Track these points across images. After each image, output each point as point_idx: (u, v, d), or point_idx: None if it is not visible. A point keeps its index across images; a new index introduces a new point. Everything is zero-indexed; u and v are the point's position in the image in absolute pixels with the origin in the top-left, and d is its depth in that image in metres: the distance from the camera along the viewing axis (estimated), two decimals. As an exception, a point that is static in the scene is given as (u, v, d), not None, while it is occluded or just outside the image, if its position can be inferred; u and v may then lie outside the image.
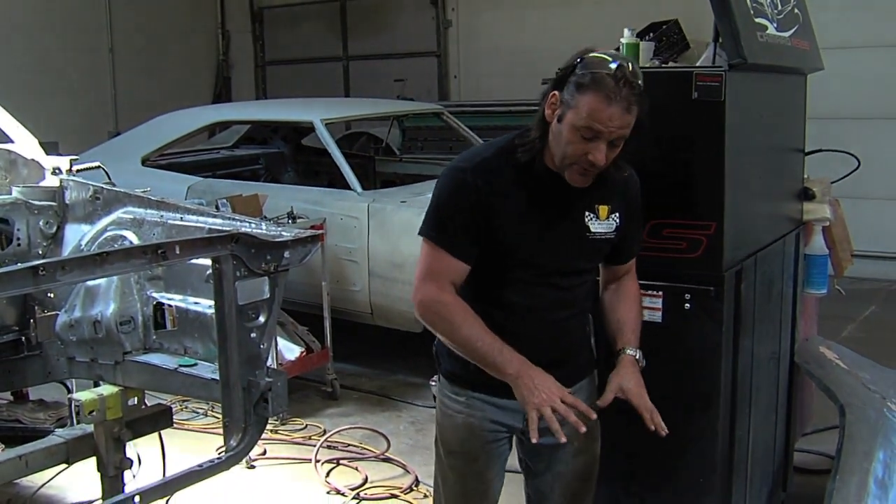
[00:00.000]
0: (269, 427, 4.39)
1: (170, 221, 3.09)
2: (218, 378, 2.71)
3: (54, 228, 3.46)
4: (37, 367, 3.38)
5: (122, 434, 2.98)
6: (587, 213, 2.34)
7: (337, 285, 5.36)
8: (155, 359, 3.00)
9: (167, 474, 3.05)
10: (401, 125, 8.41)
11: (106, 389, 2.97)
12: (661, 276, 2.68)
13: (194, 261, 2.77)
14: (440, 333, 2.33)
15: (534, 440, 2.18)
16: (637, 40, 2.92)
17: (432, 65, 11.02)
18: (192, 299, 2.96)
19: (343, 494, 4.07)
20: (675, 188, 2.69)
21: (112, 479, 3.01)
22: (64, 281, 2.32)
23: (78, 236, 3.35)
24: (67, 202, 3.46)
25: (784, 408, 3.47)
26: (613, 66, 2.13)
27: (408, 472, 4.27)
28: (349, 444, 4.59)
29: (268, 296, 2.71)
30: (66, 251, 3.37)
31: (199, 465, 2.75)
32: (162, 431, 3.24)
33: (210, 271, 2.67)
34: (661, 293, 2.69)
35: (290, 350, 5.04)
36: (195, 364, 2.91)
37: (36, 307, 3.31)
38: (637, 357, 2.43)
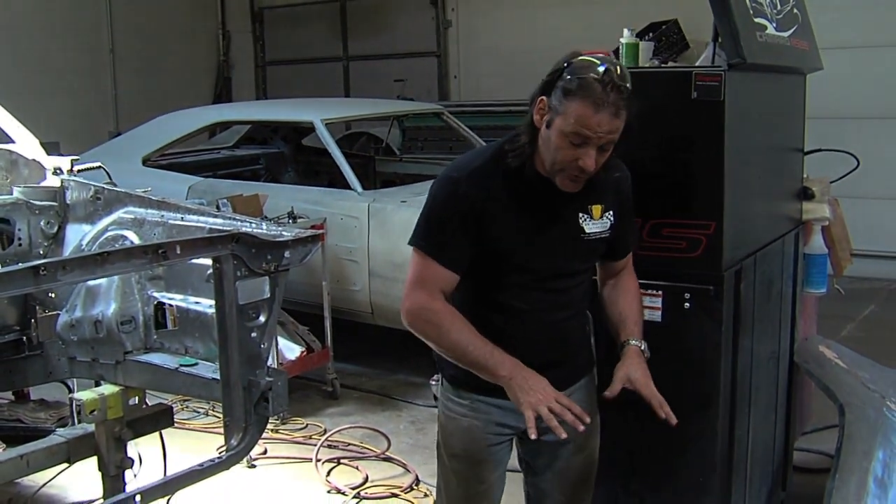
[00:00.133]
0: (269, 426, 4.40)
1: (170, 221, 3.09)
2: (218, 377, 2.72)
3: (55, 228, 3.47)
4: (38, 367, 3.38)
5: (122, 433, 2.99)
6: (580, 215, 2.34)
7: (337, 285, 5.36)
8: (156, 358, 3.00)
9: (168, 474, 3.05)
10: (401, 125, 8.41)
11: (107, 389, 2.98)
12: (661, 276, 2.69)
13: (195, 260, 2.77)
14: (430, 341, 2.32)
15: (532, 437, 2.18)
16: (637, 40, 2.92)
17: (432, 65, 11.03)
18: (192, 299, 2.96)
19: (344, 493, 4.08)
20: (674, 188, 2.69)
21: (113, 479, 3.01)
22: (65, 281, 2.33)
23: (79, 236, 3.35)
24: (68, 202, 3.47)
25: (784, 407, 3.47)
26: (601, 69, 2.12)
27: (408, 471, 4.28)
28: (350, 444, 4.60)
29: (268, 295, 2.71)
30: (67, 251, 3.37)
31: (200, 465, 2.75)
32: (163, 431, 3.25)
33: (211, 271, 2.67)
34: (660, 293, 2.69)
35: (290, 349, 5.05)
36: (196, 364, 2.92)
37: (37, 307, 3.32)
38: (642, 348, 2.43)
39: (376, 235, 5.25)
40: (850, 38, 7.52)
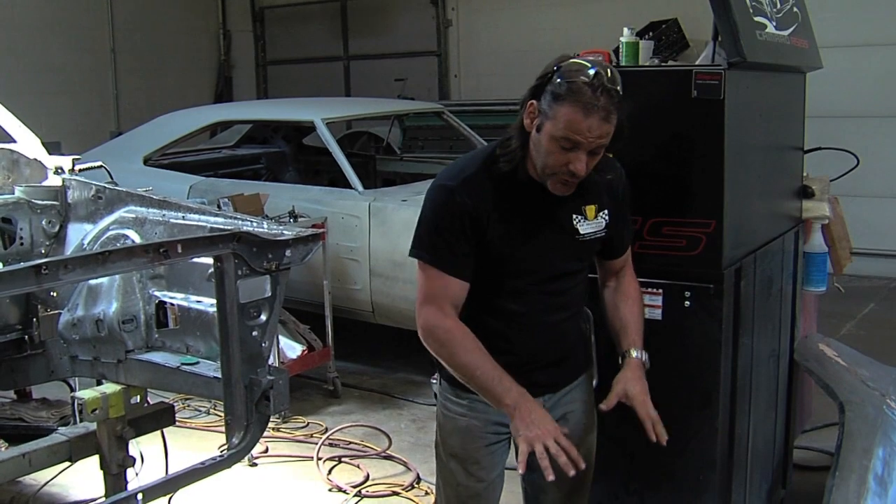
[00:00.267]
0: (270, 425, 4.40)
1: (172, 220, 3.09)
2: (220, 376, 2.72)
3: (57, 228, 3.47)
4: (40, 366, 3.38)
5: (124, 432, 2.99)
6: (574, 217, 2.33)
7: (338, 284, 5.37)
8: (157, 357, 3.00)
9: (169, 472, 3.05)
10: (401, 124, 8.42)
11: (108, 388, 2.98)
12: (661, 274, 2.69)
13: (196, 259, 2.78)
14: (440, 358, 2.33)
15: (521, 471, 2.20)
16: (637, 39, 2.92)
17: (433, 64, 11.04)
18: (194, 298, 2.97)
19: (345, 492, 4.08)
20: (674, 186, 2.69)
21: (115, 477, 3.02)
22: (66, 280, 2.33)
23: (80, 235, 3.36)
24: (70, 201, 3.47)
25: (784, 405, 3.47)
26: (591, 73, 2.10)
27: (409, 469, 4.28)
28: (351, 442, 4.60)
29: (269, 294, 2.71)
30: (69, 250, 3.38)
31: (202, 463, 2.75)
32: (164, 429, 3.25)
33: (212, 270, 2.68)
34: (660, 291, 2.69)
35: (291, 348, 5.06)
36: (197, 362, 2.92)
37: (39, 306, 3.32)
38: (643, 360, 2.43)
39: (377, 234, 5.26)
40: (850, 36, 7.53)
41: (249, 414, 2.72)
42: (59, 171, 3.58)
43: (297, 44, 12.21)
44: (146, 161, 6.43)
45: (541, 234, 2.31)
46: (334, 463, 4.40)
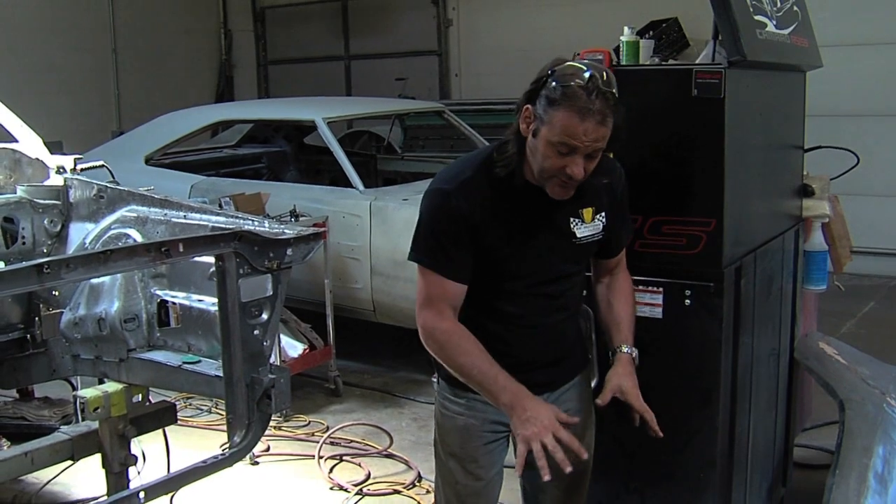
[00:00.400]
0: (272, 424, 4.41)
1: (173, 219, 3.10)
2: (221, 375, 2.73)
3: (59, 227, 3.48)
4: (42, 365, 3.39)
5: (126, 431, 3.00)
6: (572, 220, 2.33)
7: (339, 283, 5.38)
8: (159, 356, 3.01)
9: (171, 471, 3.06)
10: (402, 124, 8.42)
11: (110, 386, 2.99)
12: (661, 273, 2.70)
13: (198, 258, 2.78)
14: (440, 360, 2.34)
15: (517, 474, 2.21)
16: (637, 38, 2.93)
17: (433, 63, 11.04)
18: (195, 297, 2.97)
19: (346, 490, 4.09)
20: (675, 185, 2.70)
21: (117, 476, 3.03)
22: (68, 279, 2.34)
23: (82, 234, 3.36)
24: (72, 201, 3.48)
25: (784, 403, 3.48)
26: (586, 76, 2.08)
27: (410, 468, 4.29)
28: (352, 441, 4.61)
29: (271, 293, 2.72)
30: (71, 249, 3.38)
31: (203, 462, 2.76)
32: (166, 428, 3.26)
33: (213, 269, 2.68)
34: (661, 289, 2.70)
35: (293, 347, 5.06)
36: (199, 361, 2.92)
37: (41, 305, 3.32)
38: (634, 355, 2.44)
39: (378, 233, 5.27)
40: (850, 35, 7.53)
41: (251, 412, 2.73)
42: (61, 170, 3.59)
43: (298, 43, 12.22)
44: (148, 160, 6.44)
45: (538, 237, 2.31)
46: (335, 461, 4.40)
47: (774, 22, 3.00)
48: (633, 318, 2.51)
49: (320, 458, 4.37)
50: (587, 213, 2.34)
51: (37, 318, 3.33)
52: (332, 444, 4.56)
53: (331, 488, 4.15)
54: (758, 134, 2.99)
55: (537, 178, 2.24)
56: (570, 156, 2.14)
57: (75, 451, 3.02)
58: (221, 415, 4.41)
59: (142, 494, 2.58)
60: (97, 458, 3.04)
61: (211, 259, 2.69)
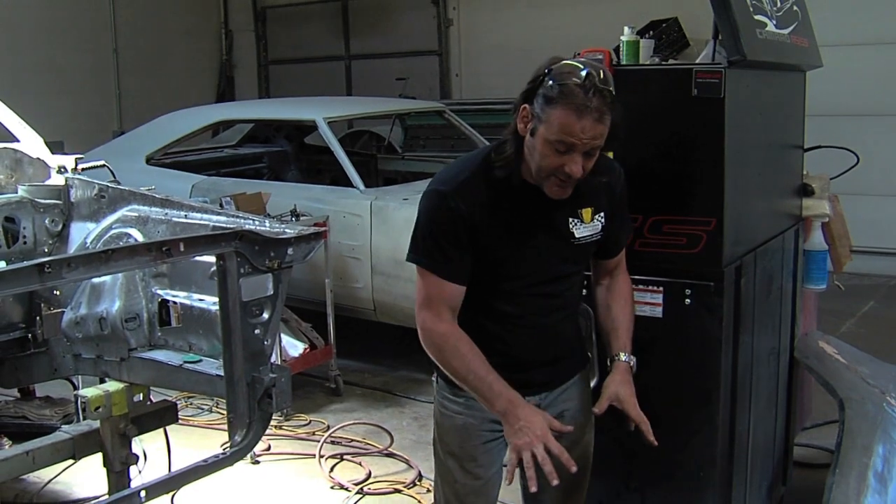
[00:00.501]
0: (273, 423, 4.42)
1: (174, 219, 3.10)
2: (222, 374, 2.74)
3: (60, 226, 3.48)
4: (43, 364, 3.40)
5: (127, 430, 3.01)
6: (570, 220, 2.33)
7: (340, 282, 5.38)
8: (160, 355, 3.01)
9: (172, 470, 3.07)
10: (403, 123, 8.43)
11: (112, 386, 3.00)
12: (662, 272, 2.70)
13: (199, 258, 2.78)
14: (437, 361, 2.35)
15: (508, 483, 2.23)
16: (637, 38, 2.93)
17: (434, 63, 11.04)
18: (196, 296, 2.98)
19: (347, 489, 4.10)
20: (675, 184, 2.70)
21: (118, 475, 3.03)
22: (69, 278, 2.34)
23: (83, 234, 3.37)
24: (73, 200, 3.48)
25: (784, 402, 3.48)
26: (582, 74, 2.09)
27: (411, 467, 4.30)
28: (353, 440, 4.62)
29: (271, 292, 2.73)
30: (72, 249, 3.39)
31: (204, 461, 2.77)
32: (167, 427, 3.27)
33: (214, 268, 2.69)
34: (661, 289, 2.70)
35: (293, 346, 5.07)
36: (200, 360, 2.93)
37: (42, 304, 3.33)
38: (632, 364, 2.44)
39: (379, 233, 5.27)
40: (850, 35, 7.53)
41: (252, 412, 2.73)
42: (62, 170, 3.59)
43: (299, 43, 12.22)
44: (149, 160, 6.44)
45: (536, 238, 2.31)
46: (336, 460, 4.41)
47: (774, 22, 3.00)
48: (632, 323, 2.51)
49: (321, 457, 4.38)
50: (586, 213, 2.34)
51: (38, 318, 3.34)
52: (332, 443, 4.57)
53: (331, 487, 4.16)
54: (758, 133, 2.99)
55: (535, 178, 2.24)
56: (568, 154, 2.14)
57: (76, 450, 3.03)
58: (222, 414, 4.41)
59: (143, 493, 2.59)
60: (98, 457, 3.05)
61: (212, 258, 2.70)
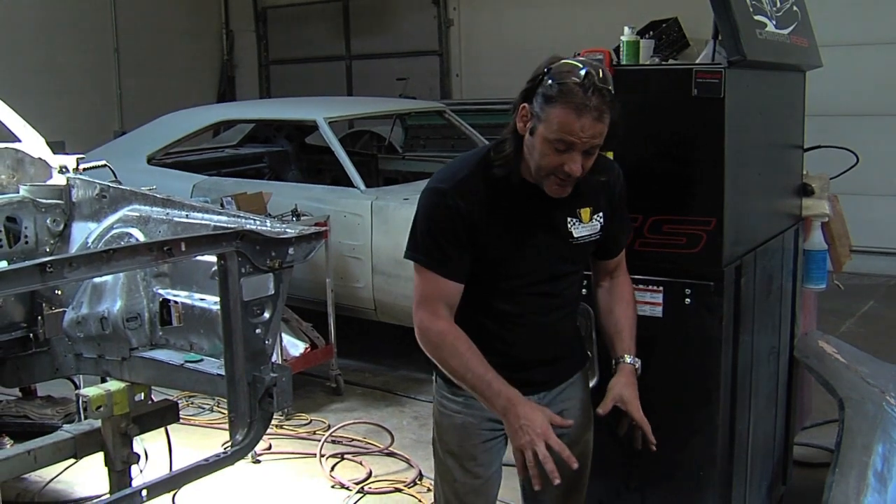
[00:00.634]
0: (273, 422, 4.42)
1: (175, 219, 3.10)
2: (223, 374, 2.74)
3: (61, 226, 3.49)
4: (45, 364, 3.40)
5: (129, 429, 3.01)
6: (569, 219, 2.33)
7: (341, 282, 5.39)
8: (161, 355, 3.01)
9: (173, 469, 3.08)
10: (403, 123, 8.43)
11: (113, 385, 3.00)
12: (662, 272, 2.70)
13: (200, 258, 2.78)
14: (434, 360, 2.34)
15: (521, 477, 2.23)
16: (637, 38, 2.94)
17: (434, 63, 11.05)
18: (197, 296, 2.98)
19: (347, 488, 4.10)
20: (675, 184, 2.70)
21: (119, 474, 3.04)
22: (71, 278, 2.35)
23: (85, 234, 3.37)
24: (74, 200, 3.48)
25: (784, 402, 3.49)
26: (582, 73, 2.09)
27: (411, 466, 4.30)
28: (353, 439, 4.62)
29: (272, 292, 2.73)
30: (73, 249, 3.39)
31: (205, 460, 2.77)
32: (168, 427, 3.28)
33: (215, 268, 2.69)
34: (661, 288, 2.71)
35: (294, 346, 5.08)
36: (201, 360, 2.93)
37: (43, 304, 3.33)
38: (637, 367, 2.45)
39: (379, 233, 5.28)
40: (850, 35, 7.53)
41: (253, 411, 2.74)
42: (64, 170, 3.59)
43: (300, 43, 12.23)
44: (150, 160, 6.45)
45: (535, 237, 2.31)
46: (337, 460, 4.42)
47: (774, 22, 3.00)
48: (635, 325, 2.51)
49: (322, 456, 4.38)
50: (585, 212, 2.35)
51: (39, 317, 3.34)
52: (333, 442, 4.57)
53: (332, 486, 4.16)
54: (758, 133, 3.00)
55: (535, 177, 2.24)
56: (567, 153, 2.14)
57: (78, 449, 3.04)
58: (223, 413, 4.42)
59: (144, 492, 2.59)
60: (100, 456, 3.06)
61: (213, 258, 2.70)
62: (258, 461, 4.41)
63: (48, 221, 3.47)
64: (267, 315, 2.73)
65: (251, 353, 2.70)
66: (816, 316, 3.89)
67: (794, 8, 3.28)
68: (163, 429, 3.26)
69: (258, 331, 2.71)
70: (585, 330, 2.63)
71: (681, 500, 2.78)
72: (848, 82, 7.44)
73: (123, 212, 3.27)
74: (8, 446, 3.54)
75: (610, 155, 2.42)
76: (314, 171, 7.49)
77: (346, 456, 4.45)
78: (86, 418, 3.00)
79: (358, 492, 4.07)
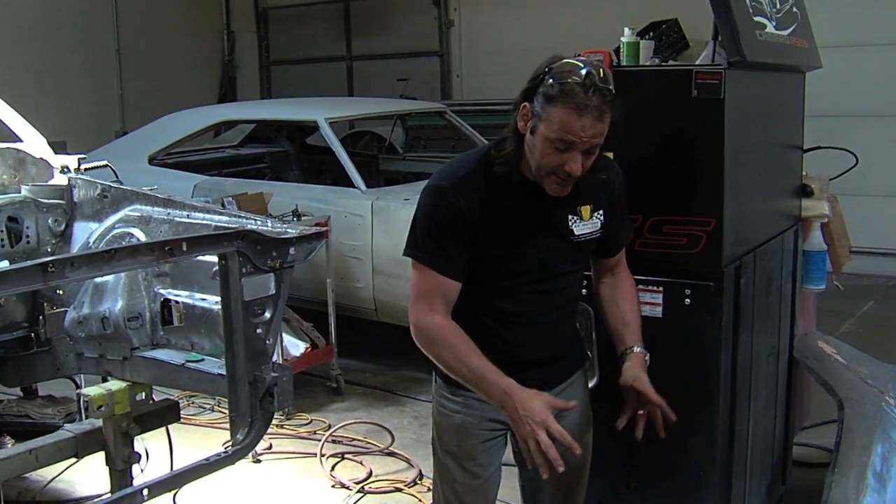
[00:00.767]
0: (274, 422, 4.42)
1: (176, 219, 3.11)
2: (224, 373, 2.74)
3: (63, 226, 3.49)
4: (46, 363, 3.40)
5: (130, 429, 3.01)
6: (570, 217, 2.33)
7: (341, 282, 5.39)
8: (162, 354, 3.01)
9: (174, 468, 3.09)
10: (404, 124, 8.44)
11: (114, 385, 3.00)
12: (662, 272, 2.71)
13: (201, 258, 2.79)
14: (431, 356, 2.34)
15: (530, 465, 2.23)
16: (637, 39, 2.94)
17: (435, 64, 11.05)
18: (198, 296, 2.98)
19: (348, 488, 4.11)
20: (675, 185, 2.71)
21: (120, 473, 3.04)
22: (72, 278, 2.35)
23: (86, 234, 3.37)
24: (76, 200, 3.49)
25: (783, 402, 3.49)
26: (583, 73, 2.10)
27: (412, 465, 4.31)
28: (354, 439, 4.63)
29: (273, 292, 2.73)
30: (75, 249, 3.39)
31: (206, 459, 2.77)
32: (169, 426, 3.28)
33: (216, 268, 2.69)
34: (661, 289, 2.71)
35: (295, 346, 5.08)
36: (202, 359, 2.93)
37: (45, 304, 3.33)
38: (646, 357, 2.46)
39: (380, 233, 5.28)
40: (850, 36, 7.54)
41: (254, 411, 2.74)
42: (65, 170, 3.60)
43: (301, 44, 12.23)
44: (151, 160, 6.46)
45: (535, 235, 2.31)
46: (337, 459, 4.42)
47: (774, 23, 3.01)
48: (640, 318, 2.52)
49: (322, 456, 4.39)
50: (585, 210, 2.35)
51: (41, 317, 3.34)
52: (333, 442, 4.58)
53: (332, 486, 4.17)
54: (758, 134, 3.00)
55: (535, 175, 2.24)
56: (567, 152, 2.15)
57: (79, 448, 3.04)
58: (224, 413, 4.43)
59: (145, 492, 2.59)
60: (101, 455, 3.06)
61: (214, 258, 2.70)
62: (259, 461, 4.42)
63: (50, 221, 3.48)
64: (268, 315, 2.73)
65: (252, 352, 2.70)
66: (816, 316, 3.90)
67: (794, 9, 3.28)
68: (164, 428, 3.26)
69: (259, 331, 2.72)
70: (585, 330, 2.64)
71: (681, 500, 2.78)
72: (847, 83, 7.44)
73: (125, 212, 3.27)
74: (9, 445, 3.55)
75: (610, 155, 2.43)
76: (315, 171, 7.50)
77: (346, 455, 4.46)
78: (87, 418, 3.00)
79: (358, 491, 4.08)
